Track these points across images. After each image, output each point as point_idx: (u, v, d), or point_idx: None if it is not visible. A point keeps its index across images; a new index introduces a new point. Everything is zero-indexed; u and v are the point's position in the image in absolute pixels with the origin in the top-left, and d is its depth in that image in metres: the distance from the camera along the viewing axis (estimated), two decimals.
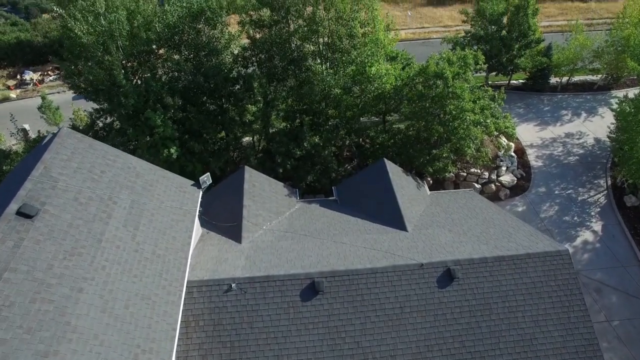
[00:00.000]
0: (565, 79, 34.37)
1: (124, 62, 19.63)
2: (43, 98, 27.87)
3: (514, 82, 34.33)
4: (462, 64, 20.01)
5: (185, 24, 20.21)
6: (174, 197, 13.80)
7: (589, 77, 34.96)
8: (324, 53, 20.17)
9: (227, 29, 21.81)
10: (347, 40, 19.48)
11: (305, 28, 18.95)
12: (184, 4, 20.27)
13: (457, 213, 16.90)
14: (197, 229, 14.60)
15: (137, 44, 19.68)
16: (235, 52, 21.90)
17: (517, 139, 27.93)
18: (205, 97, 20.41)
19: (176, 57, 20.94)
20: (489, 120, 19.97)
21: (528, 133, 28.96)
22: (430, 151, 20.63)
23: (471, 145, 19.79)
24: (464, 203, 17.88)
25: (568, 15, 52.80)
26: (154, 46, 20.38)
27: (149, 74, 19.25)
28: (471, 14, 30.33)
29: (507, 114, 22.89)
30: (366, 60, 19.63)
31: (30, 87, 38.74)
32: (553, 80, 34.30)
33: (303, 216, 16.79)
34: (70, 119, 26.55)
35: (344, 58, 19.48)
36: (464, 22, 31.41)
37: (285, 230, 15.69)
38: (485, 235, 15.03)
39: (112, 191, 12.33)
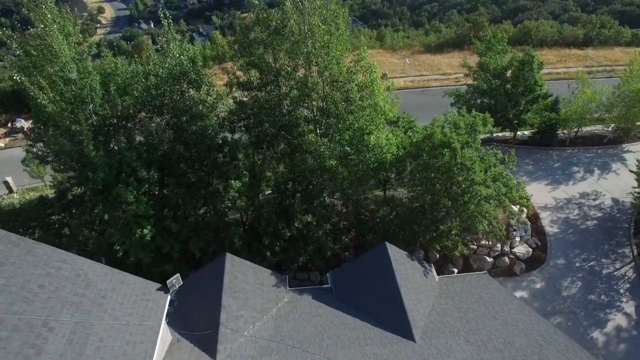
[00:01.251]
0: (573, 131, 32.74)
1: (96, 128, 17.73)
2: (27, 151, 26.12)
3: (520, 133, 32.72)
4: (471, 130, 18.14)
5: (167, 86, 18.52)
6: (133, 309, 11.36)
7: (598, 128, 33.38)
8: (318, 118, 18.35)
9: (213, 89, 20.15)
10: (344, 105, 17.70)
11: (297, 92, 17.19)
12: (166, 65, 18.67)
13: (473, 310, 14.40)
14: (164, 337, 12.08)
15: (113, 109, 17.90)
16: (222, 114, 20.12)
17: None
18: (185, 167, 18.37)
19: (157, 120, 19.11)
20: (502, 194, 17.84)
21: (540, 193, 26.85)
22: (437, 226, 18.38)
23: (483, 221, 17.56)
24: (479, 294, 15.41)
25: (567, 63, 52.35)
26: (131, 110, 18.58)
27: (124, 143, 17.28)
28: (473, 67, 29.03)
29: (519, 180, 20.86)
30: (364, 127, 17.76)
31: (20, 135, 36.66)
32: (560, 132, 32.67)
33: (292, 315, 14.26)
34: (50, 175, 24.59)
35: (340, 125, 17.60)
36: (466, 75, 30.10)
37: (270, 339, 13.12)
38: (511, 349, 12.46)
39: (49, 312, 9.90)
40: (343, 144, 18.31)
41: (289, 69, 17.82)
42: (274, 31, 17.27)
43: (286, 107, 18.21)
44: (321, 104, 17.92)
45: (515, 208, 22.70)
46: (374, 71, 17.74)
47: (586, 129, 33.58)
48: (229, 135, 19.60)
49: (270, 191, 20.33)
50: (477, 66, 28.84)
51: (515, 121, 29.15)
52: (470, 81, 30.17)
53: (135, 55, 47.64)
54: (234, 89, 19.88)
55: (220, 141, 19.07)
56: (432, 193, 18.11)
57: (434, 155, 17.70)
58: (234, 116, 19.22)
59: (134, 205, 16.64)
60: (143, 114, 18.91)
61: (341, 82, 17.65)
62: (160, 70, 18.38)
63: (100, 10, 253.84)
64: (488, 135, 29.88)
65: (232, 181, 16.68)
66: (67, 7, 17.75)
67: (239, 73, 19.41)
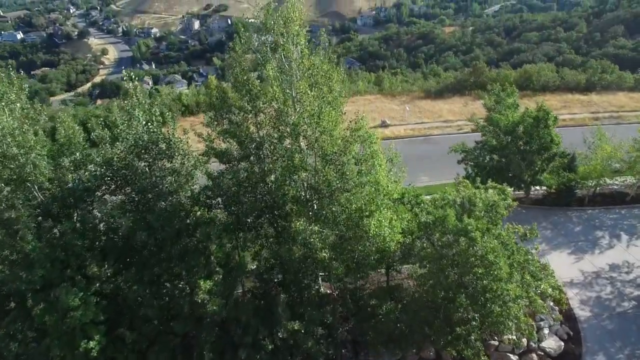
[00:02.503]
0: (592, 189, 29.94)
1: (41, 211, 14.77)
2: None
3: (533, 188, 29.89)
4: (492, 212, 15.20)
5: (132, 157, 15.77)
6: None
7: (618, 183, 30.64)
8: (308, 197, 15.45)
9: (189, 157, 17.38)
10: (338, 183, 14.81)
11: (282, 170, 14.38)
12: (132, 132, 15.99)
13: None
14: None
15: (62, 187, 15.04)
16: (197, 187, 17.23)
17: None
18: (148, 256, 15.24)
19: (117, 198, 16.23)
20: (532, 289, 14.64)
21: (564, 265, 23.55)
22: (452, 328, 15.04)
23: (511, 325, 14.26)
24: None
25: (571, 109, 50.53)
26: (86, 187, 15.69)
27: (71, 229, 14.21)
28: (481, 123, 26.57)
29: (546, 263, 17.69)
30: (363, 207, 14.80)
31: None
32: (578, 190, 29.85)
33: None
34: None
35: (333, 208, 14.65)
36: (473, 131, 27.60)
37: None
38: None
39: None
40: (338, 224, 15.28)
41: (273, 139, 15.13)
42: (255, 96, 14.75)
43: (270, 184, 15.36)
44: (312, 181, 15.06)
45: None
46: (374, 142, 15.02)
47: (606, 182, 30.85)
48: (205, 213, 16.59)
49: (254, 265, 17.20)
50: (486, 121, 26.39)
51: (530, 182, 26.40)
52: (472, 129, 27.76)
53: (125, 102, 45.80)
54: (210, 158, 17.12)
55: (194, 222, 16.03)
56: (445, 288, 14.92)
57: (447, 244, 14.67)
58: (209, 191, 16.34)
59: (79, 310, 13.38)
60: (101, 192, 16.03)
61: (335, 154, 14.86)
62: (124, 141, 15.72)
63: (104, 52, 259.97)
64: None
65: (202, 281, 13.55)
66: (12, 71, 15.22)
67: (217, 142, 16.68)
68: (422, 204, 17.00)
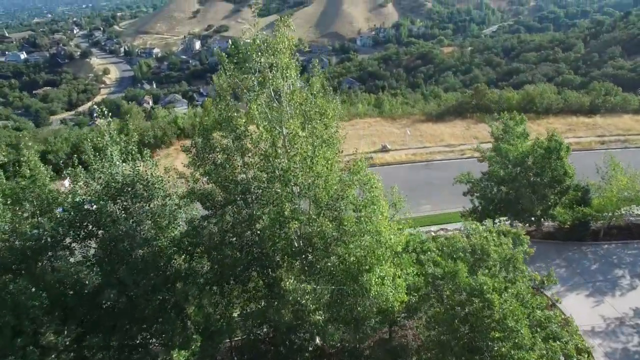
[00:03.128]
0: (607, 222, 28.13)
1: None
2: None
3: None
4: (508, 263, 13.39)
5: (105, 201, 14.05)
6: None
7: (635, 214, 28.83)
8: (301, 249, 13.66)
9: (172, 198, 15.68)
10: (334, 232, 13.03)
11: (269, 221, 12.63)
12: (107, 171, 14.35)
13: None
14: None
15: (21, 237, 13.27)
16: (180, 231, 15.44)
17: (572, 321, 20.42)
18: (119, 316, 13.34)
19: (88, 248, 14.46)
20: (558, 357, 12.69)
21: (582, 310, 21.52)
22: None
23: None
24: None
25: (577, 132, 49.16)
26: (49, 238, 13.90)
27: (25, 289, 12.35)
28: (487, 154, 24.93)
29: (568, 317, 15.78)
30: (362, 261, 12.99)
31: None
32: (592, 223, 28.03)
33: None
34: None
35: (329, 263, 12.83)
36: (480, 161, 25.93)
37: None
38: None
39: None
40: (334, 276, 13.43)
41: (261, 183, 13.45)
42: (240, 136, 13.15)
43: (259, 233, 13.60)
44: (305, 230, 13.31)
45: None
46: (375, 187, 13.32)
47: (618, 213, 29.06)
48: (184, 264, 14.78)
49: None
50: (493, 150, 24.77)
51: (542, 216, 24.62)
52: (478, 159, 26.11)
53: (128, 121, 44.39)
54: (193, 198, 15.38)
55: (173, 275, 14.20)
56: (457, 354, 12.98)
57: (460, 303, 12.82)
58: (189, 239, 14.55)
59: None
60: (69, 239, 14.25)
61: (331, 199, 13.15)
62: (95, 183, 14.07)
63: (106, 72, 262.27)
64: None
65: (176, 353, 11.64)
66: None
67: (201, 183, 14.98)
68: (428, 252, 15.17)
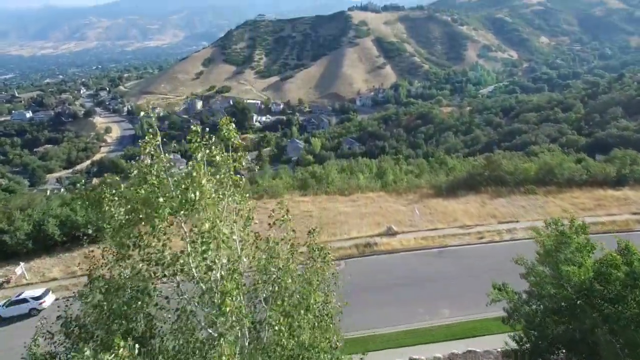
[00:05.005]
0: None
1: None
2: None
3: None
4: None
5: None
6: None
7: None
8: None
9: None
10: None
11: None
12: None
13: None
14: None
15: None
16: None
17: None
18: None
19: None
20: None
21: None
22: None
23: None
24: None
25: (608, 208, 43.16)
26: None
27: None
28: (534, 269, 18.66)
29: None
30: None
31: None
32: None
33: None
34: None
35: None
36: (522, 277, 19.63)
37: None
38: None
39: None
40: None
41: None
42: None
43: None
44: None
45: None
46: None
47: None
48: None
49: None
50: (541, 264, 18.58)
51: None
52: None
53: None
54: None
55: None
56: None
57: None
58: None
59: None
60: None
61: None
62: None
63: (108, 130, 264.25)
64: None
65: None
66: None
67: None
68: None
